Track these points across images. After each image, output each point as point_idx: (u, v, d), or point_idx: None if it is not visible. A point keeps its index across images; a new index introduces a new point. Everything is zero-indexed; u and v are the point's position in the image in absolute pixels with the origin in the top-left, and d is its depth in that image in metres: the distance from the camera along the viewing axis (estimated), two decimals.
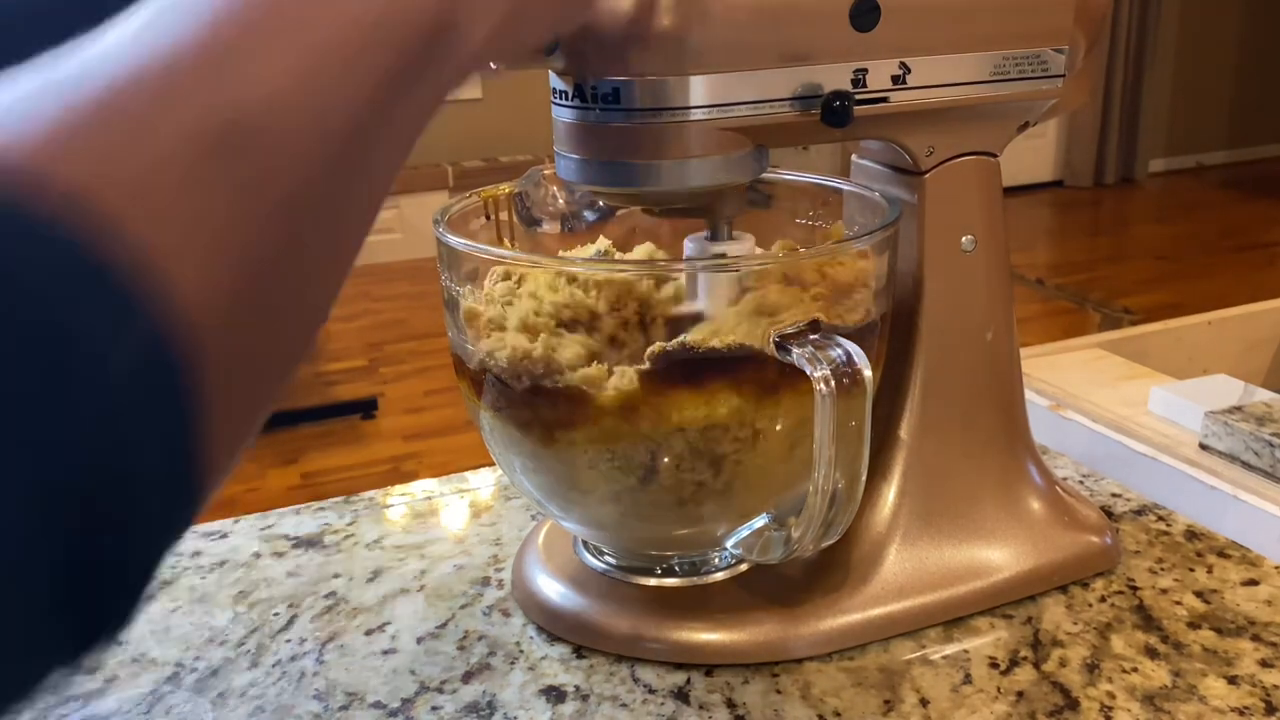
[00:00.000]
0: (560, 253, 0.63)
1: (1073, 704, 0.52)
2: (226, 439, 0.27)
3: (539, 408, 0.52)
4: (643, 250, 0.63)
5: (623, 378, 0.50)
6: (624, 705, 0.53)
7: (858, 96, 0.52)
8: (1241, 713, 0.51)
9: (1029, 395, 1.09)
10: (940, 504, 0.60)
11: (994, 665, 0.55)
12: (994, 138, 0.59)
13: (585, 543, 0.62)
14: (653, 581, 0.59)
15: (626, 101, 0.49)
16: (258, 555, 0.67)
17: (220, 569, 0.66)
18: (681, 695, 0.53)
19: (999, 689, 0.53)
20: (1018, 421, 0.62)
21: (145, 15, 0.27)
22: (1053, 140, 5.48)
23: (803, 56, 0.51)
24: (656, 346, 0.50)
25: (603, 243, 0.63)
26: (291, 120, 0.28)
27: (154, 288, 0.24)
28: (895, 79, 0.53)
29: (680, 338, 0.50)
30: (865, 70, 0.52)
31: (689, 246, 0.57)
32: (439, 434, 2.90)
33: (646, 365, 0.50)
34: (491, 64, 0.39)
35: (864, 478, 0.49)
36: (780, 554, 0.53)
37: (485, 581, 0.63)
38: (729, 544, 0.56)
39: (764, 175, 0.55)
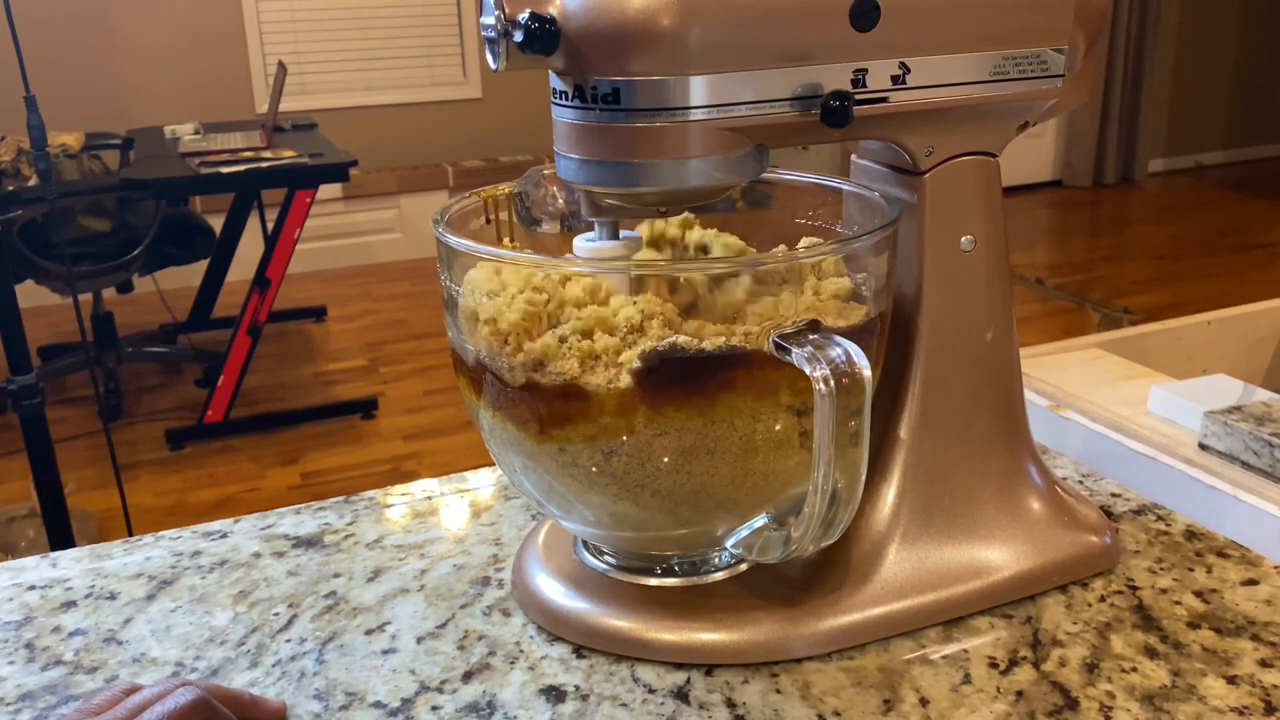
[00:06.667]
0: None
1: (1072, 704, 0.52)
2: None
3: (536, 405, 0.52)
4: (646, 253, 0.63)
5: (618, 376, 0.51)
6: (624, 705, 0.53)
7: (857, 96, 0.52)
8: (1241, 712, 0.51)
9: (1029, 395, 1.09)
10: (940, 504, 0.60)
11: (993, 665, 0.55)
12: (994, 138, 0.59)
13: (585, 543, 0.62)
14: (653, 581, 0.59)
15: (626, 101, 0.49)
16: (258, 555, 0.67)
17: (220, 569, 0.66)
18: (681, 695, 0.53)
19: (998, 689, 0.53)
20: (1017, 421, 0.62)
21: None
22: (1052, 140, 5.49)
23: (803, 56, 0.51)
24: (647, 345, 0.50)
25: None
26: None
27: None
28: (895, 79, 0.53)
29: (671, 338, 0.50)
30: (865, 70, 0.52)
31: (579, 245, 0.56)
32: (439, 434, 2.90)
33: (638, 364, 0.50)
34: None
35: (864, 477, 0.49)
36: (780, 554, 0.53)
37: (485, 581, 0.63)
38: (729, 544, 0.56)
39: (764, 175, 0.55)
